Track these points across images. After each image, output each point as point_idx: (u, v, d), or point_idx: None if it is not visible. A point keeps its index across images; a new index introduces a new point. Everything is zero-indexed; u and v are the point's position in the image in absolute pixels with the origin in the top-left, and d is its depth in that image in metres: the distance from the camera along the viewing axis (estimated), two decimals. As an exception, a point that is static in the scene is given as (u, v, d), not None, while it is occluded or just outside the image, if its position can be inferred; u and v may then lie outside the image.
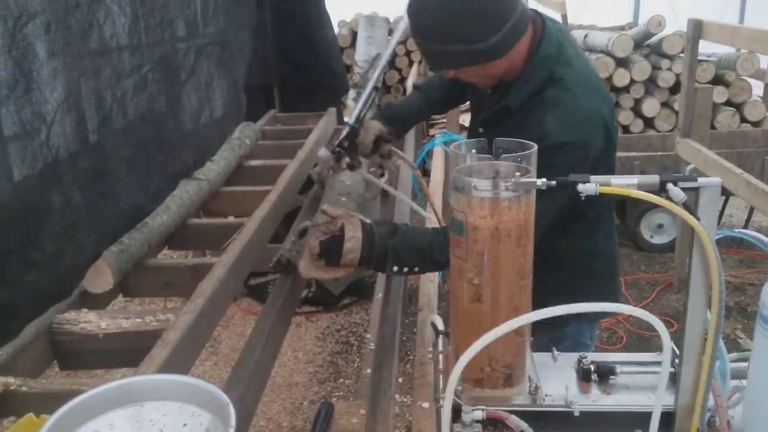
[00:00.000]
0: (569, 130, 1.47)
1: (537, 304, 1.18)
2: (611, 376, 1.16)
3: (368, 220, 1.67)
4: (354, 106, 1.91)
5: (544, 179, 1.01)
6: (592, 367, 1.17)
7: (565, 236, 1.67)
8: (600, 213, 1.75)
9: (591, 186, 0.97)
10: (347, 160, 1.90)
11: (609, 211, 1.82)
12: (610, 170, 1.62)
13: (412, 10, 1.53)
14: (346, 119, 2.03)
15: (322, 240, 1.60)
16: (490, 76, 1.61)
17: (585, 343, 1.80)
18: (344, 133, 1.87)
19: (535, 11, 1.63)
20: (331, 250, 1.59)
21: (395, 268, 1.62)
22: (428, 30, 1.52)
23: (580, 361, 1.19)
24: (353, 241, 1.57)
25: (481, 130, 1.69)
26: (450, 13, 1.45)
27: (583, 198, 1.01)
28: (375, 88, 1.93)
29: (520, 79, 1.59)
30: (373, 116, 1.97)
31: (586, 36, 5.92)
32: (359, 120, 1.88)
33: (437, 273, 2.09)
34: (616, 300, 1.84)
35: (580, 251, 1.75)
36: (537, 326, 1.20)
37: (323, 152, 1.86)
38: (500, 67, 1.55)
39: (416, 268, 1.64)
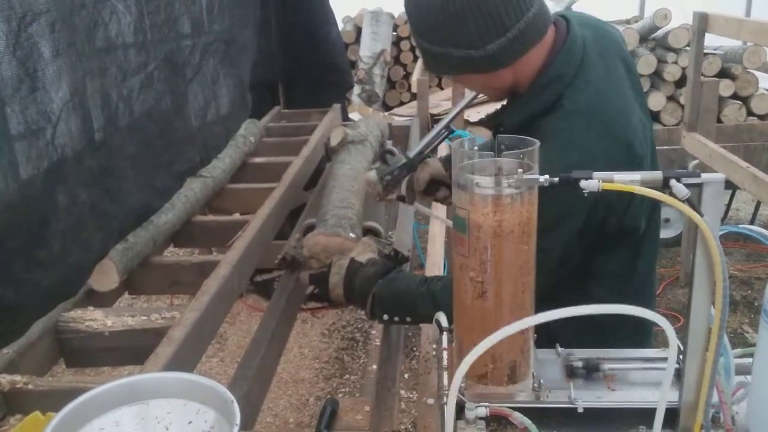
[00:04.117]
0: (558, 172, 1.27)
1: (564, 344, 1.18)
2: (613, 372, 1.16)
3: (364, 259, 1.63)
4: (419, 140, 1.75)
5: (546, 176, 1.00)
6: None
7: (600, 285, 1.47)
8: (638, 265, 1.48)
9: (594, 183, 0.96)
10: (396, 192, 1.75)
11: (651, 269, 1.56)
12: (632, 207, 1.37)
13: (406, 1, 1.35)
14: (351, 115, 1.94)
15: (312, 273, 1.66)
16: (494, 88, 1.41)
17: None
18: (399, 162, 1.70)
19: (563, 16, 1.40)
20: (320, 286, 1.64)
21: (385, 317, 1.56)
22: (422, 27, 1.33)
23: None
24: (335, 282, 1.60)
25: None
26: (445, 10, 1.26)
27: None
28: (448, 128, 1.69)
29: (519, 98, 1.38)
30: (439, 159, 1.81)
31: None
32: (421, 155, 1.70)
33: (443, 265, 2.08)
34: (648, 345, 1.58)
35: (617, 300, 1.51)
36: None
37: (372, 176, 1.69)
38: (505, 79, 1.35)
39: (408, 318, 1.54)
